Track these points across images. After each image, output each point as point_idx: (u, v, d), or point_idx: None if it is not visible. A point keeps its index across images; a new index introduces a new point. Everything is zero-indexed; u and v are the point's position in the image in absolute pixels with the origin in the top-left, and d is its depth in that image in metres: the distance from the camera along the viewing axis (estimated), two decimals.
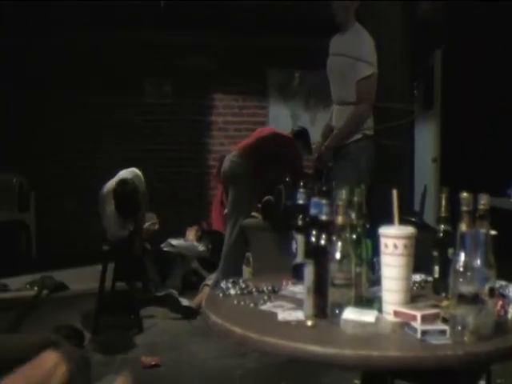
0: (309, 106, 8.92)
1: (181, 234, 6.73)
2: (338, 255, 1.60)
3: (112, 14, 7.43)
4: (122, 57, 8.20)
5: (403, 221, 1.73)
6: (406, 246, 1.62)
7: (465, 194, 1.62)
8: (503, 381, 3.37)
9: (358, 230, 1.79)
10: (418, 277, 2.05)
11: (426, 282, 2.05)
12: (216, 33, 8.03)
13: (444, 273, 1.77)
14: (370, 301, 1.71)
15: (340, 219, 1.65)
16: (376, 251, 1.74)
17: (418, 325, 1.50)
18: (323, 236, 1.69)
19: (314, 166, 4.68)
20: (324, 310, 1.64)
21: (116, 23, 7.66)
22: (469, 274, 1.45)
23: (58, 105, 8.10)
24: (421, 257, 1.75)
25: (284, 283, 2.05)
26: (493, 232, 1.57)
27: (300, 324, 1.61)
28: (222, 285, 2.04)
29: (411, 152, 6.01)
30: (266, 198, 4.91)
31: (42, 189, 7.86)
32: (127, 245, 5.03)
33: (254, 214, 5.02)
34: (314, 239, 1.74)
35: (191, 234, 6.77)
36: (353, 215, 1.78)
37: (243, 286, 2.02)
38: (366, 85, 4.16)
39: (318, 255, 1.67)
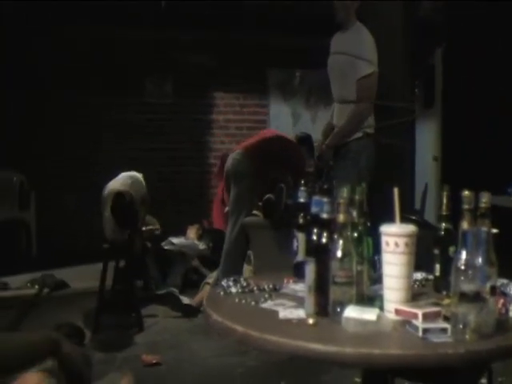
0: (309, 104, 8.92)
1: (182, 232, 6.73)
2: (339, 253, 1.60)
3: (112, 13, 7.42)
4: (122, 56, 8.19)
5: (404, 219, 1.73)
6: (407, 244, 1.62)
7: (466, 192, 1.62)
8: (504, 379, 3.37)
9: (360, 228, 1.79)
10: (418, 275, 2.05)
11: (426, 280, 2.04)
12: (217, 32, 8.02)
13: (445, 271, 1.77)
14: (372, 299, 1.72)
15: (341, 217, 1.65)
16: (377, 249, 1.74)
17: (419, 323, 1.49)
18: (324, 234, 1.69)
19: (315, 164, 4.69)
20: (325, 308, 1.64)
21: (116, 22, 7.65)
22: (470, 272, 1.45)
23: (58, 104, 8.09)
24: (421, 255, 1.75)
25: (285, 281, 2.05)
26: (494, 230, 1.57)
27: (301, 322, 1.61)
28: (223, 283, 2.03)
29: (412, 150, 6.00)
30: (267, 196, 4.91)
31: (43, 187, 7.85)
32: (128, 244, 5.03)
33: (255, 212, 5.02)
34: (315, 237, 1.74)
35: (192, 232, 6.78)
36: (354, 213, 1.78)
37: (244, 284, 2.02)
38: (366, 83, 4.17)
39: (320, 253, 1.67)
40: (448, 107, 7.43)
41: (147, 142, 8.41)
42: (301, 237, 2.05)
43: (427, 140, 7.80)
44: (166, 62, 8.42)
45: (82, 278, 6.06)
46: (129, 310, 4.91)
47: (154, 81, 8.51)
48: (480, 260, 1.46)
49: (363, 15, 4.42)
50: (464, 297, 1.44)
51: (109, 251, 4.90)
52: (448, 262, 1.62)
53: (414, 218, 3.72)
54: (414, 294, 1.72)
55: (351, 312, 1.54)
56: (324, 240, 1.69)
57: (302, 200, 2.12)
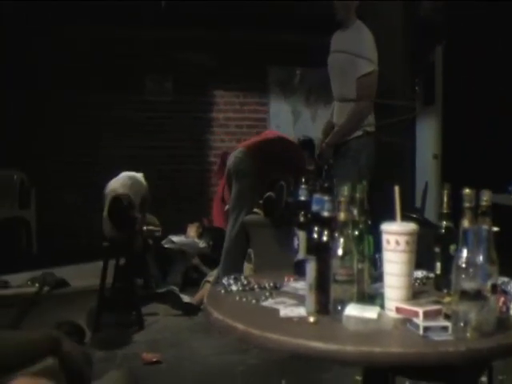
0: (309, 102, 8.92)
1: (182, 230, 6.73)
2: (340, 251, 1.60)
3: (112, 13, 7.42)
4: (122, 54, 8.19)
5: (405, 217, 1.73)
6: (408, 243, 1.62)
7: (467, 191, 1.62)
8: (505, 377, 3.37)
9: (360, 226, 1.79)
10: (419, 273, 2.05)
11: (427, 278, 2.04)
12: (217, 30, 8.02)
13: (446, 269, 1.77)
14: (372, 297, 1.72)
15: (342, 215, 1.64)
16: (378, 247, 1.73)
17: (420, 321, 1.49)
18: (325, 232, 1.69)
19: (315, 162, 4.69)
20: (326, 306, 1.64)
21: (116, 22, 7.65)
22: (471, 270, 1.45)
23: (58, 102, 8.10)
24: (422, 253, 1.75)
25: (286, 279, 2.05)
26: (495, 228, 1.56)
27: (302, 320, 1.61)
28: (224, 281, 2.03)
29: (412, 149, 6.00)
30: (268, 194, 4.91)
31: (43, 185, 7.86)
32: (128, 242, 5.03)
33: (255, 210, 5.02)
34: (315, 235, 1.74)
35: (192, 230, 6.78)
36: (355, 211, 1.78)
37: (245, 282, 2.02)
38: (366, 82, 4.17)
39: (320, 251, 1.67)
40: (448, 105, 7.43)
41: (147, 140, 8.41)
42: (301, 235, 2.05)
43: (427, 138, 7.81)
44: (166, 61, 8.42)
45: (83, 276, 6.06)
46: (129, 309, 4.91)
47: (154, 79, 8.51)
48: (481, 258, 1.46)
49: (363, 14, 4.42)
50: (465, 295, 1.44)
51: (109, 249, 4.91)
52: (449, 260, 1.62)
53: (414, 216, 3.72)
54: (415, 292, 1.71)
55: (352, 310, 1.54)
56: (325, 238, 1.69)
57: (302, 198, 2.12)
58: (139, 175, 5.52)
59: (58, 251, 7.40)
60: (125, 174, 5.41)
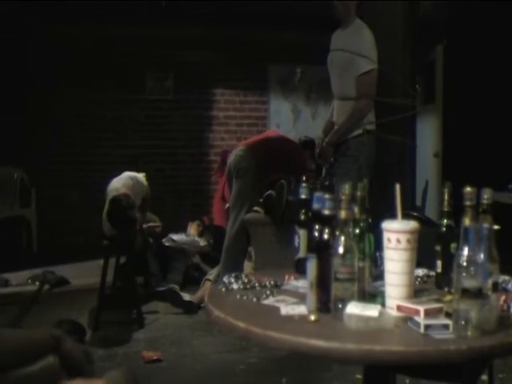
0: (310, 100, 8.93)
1: (182, 228, 6.74)
2: (340, 250, 1.60)
3: (113, 11, 7.42)
4: (123, 53, 8.18)
5: (406, 215, 1.73)
6: (409, 241, 1.62)
7: (468, 189, 1.62)
8: (505, 376, 3.37)
9: (361, 224, 1.79)
10: (420, 271, 2.05)
11: (428, 276, 2.04)
12: (217, 28, 8.02)
13: (446, 267, 1.77)
14: (373, 295, 1.71)
15: (343, 214, 1.64)
16: (379, 246, 1.73)
17: (421, 319, 1.49)
18: (326, 230, 1.69)
19: (316, 161, 4.69)
20: (327, 304, 1.64)
21: (117, 20, 7.65)
22: (472, 268, 1.45)
23: (59, 101, 8.10)
24: (423, 251, 1.75)
25: (286, 278, 2.05)
26: (496, 226, 1.56)
27: (303, 318, 1.61)
28: (225, 279, 2.03)
29: (413, 147, 6.00)
30: (268, 192, 4.91)
31: (43, 184, 7.86)
32: (128, 241, 5.03)
33: (256, 208, 5.02)
34: (316, 234, 1.74)
35: (193, 228, 6.79)
36: (356, 210, 1.78)
37: (246, 280, 2.02)
38: (366, 80, 4.17)
39: (321, 250, 1.67)
40: (449, 104, 7.42)
41: (148, 139, 8.42)
42: (302, 233, 2.05)
43: (428, 136, 7.80)
44: (166, 59, 8.43)
45: (83, 274, 6.07)
46: (129, 307, 4.92)
47: (154, 77, 8.51)
48: (482, 256, 1.46)
49: (364, 12, 4.42)
50: (466, 293, 1.44)
51: (109, 248, 4.91)
52: (449, 259, 1.62)
53: (415, 214, 3.71)
54: (416, 291, 1.71)
55: (353, 308, 1.54)
56: (326, 236, 1.68)
57: (303, 196, 2.12)
58: (141, 176, 5.56)
59: (58, 250, 7.40)
60: (127, 174, 5.44)
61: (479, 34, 6.64)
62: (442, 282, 1.85)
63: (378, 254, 1.83)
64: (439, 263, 1.89)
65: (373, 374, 2.05)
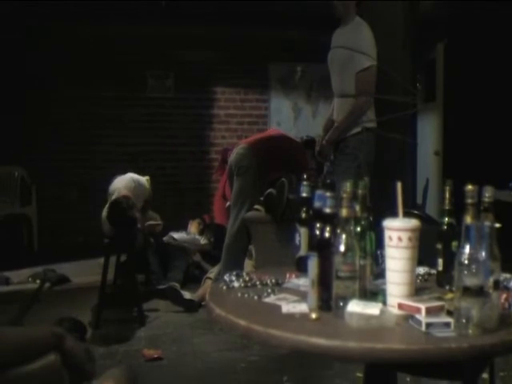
0: (310, 99, 8.93)
1: (183, 227, 6.75)
2: (342, 248, 1.60)
3: (113, 10, 7.42)
4: (123, 52, 8.18)
5: (407, 213, 1.72)
6: (410, 239, 1.62)
7: (470, 187, 1.62)
8: (506, 374, 3.37)
9: (362, 222, 1.78)
10: (421, 269, 2.05)
11: (429, 274, 2.04)
12: (217, 27, 8.02)
13: (448, 265, 1.77)
14: (375, 293, 1.71)
15: (344, 212, 1.64)
16: (380, 244, 1.73)
17: (422, 317, 1.49)
18: (327, 229, 1.69)
19: (316, 159, 4.69)
20: (328, 302, 1.63)
21: (118, 19, 7.65)
22: (473, 266, 1.44)
23: (60, 99, 8.10)
24: (424, 249, 1.75)
25: (288, 276, 2.05)
26: (497, 225, 1.56)
27: (304, 317, 1.61)
28: (226, 277, 2.03)
29: (414, 145, 6.00)
30: (269, 190, 4.91)
31: (44, 182, 7.87)
32: (128, 239, 5.03)
33: (256, 206, 5.02)
34: (317, 232, 1.74)
35: (193, 227, 6.79)
36: (357, 208, 1.78)
37: (247, 278, 2.01)
38: (365, 76, 4.17)
39: (322, 248, 1.66)
40: (449, 102, 7.42)
41: (148, 137, 8.42)
42: (303, 231, 2.04)
43: (429, 135, 7.80)
44: (167, 58, 8.43)
45: (84, 272, 6.08)
46: (130, 305, 4.92)
47: (155, 76, 8.51)
48: (483, 254, 1.46)
49: (365, 11, 4.43)
50: (467, 291, 1.44)
51: (110, 246, 4.91)
52: (451, 257, 1.62)
53: (416, 212, 3.71)
54: (417, 289, 1.71)
55: (354, 306, 1.54)
56: (327, 234, 1.68)
57: (304, 194, 2.12)
58: (143, 179, 5.59)
59: (59, 248, 7.42)
60: (130, 176, 5.48)
61: (479, 33, 6.64)
62: (443, 280, 1.85)
63: (379, 252, 1.83)
64: (440, 261, 1.89)
65: (374, 372, 2.05)
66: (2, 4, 6.71)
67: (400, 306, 1.59)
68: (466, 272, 1.45)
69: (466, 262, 1.45)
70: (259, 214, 4.96)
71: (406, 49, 5.26)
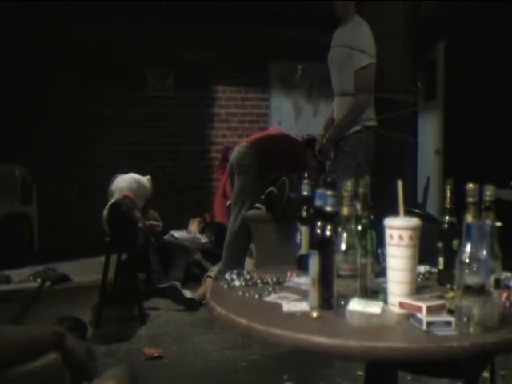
0: (311, 97, 8.93)
1: (184, 225, 6.74)
2: (343, 246, 1.60)
3: (113, 10, 7.42)
4: (124, 51, 8.18)
5: (408, 212, 1.72)
6: (411, 238, 1.61)
7: (470, 185, 1.62)
8: (506, 372, 3.37)
9: (363, 221, 1.78)
10: (422, 268, 2.05)
11: (430, 273, 2.04)
12: (217, 26, 8.01)
13: (449, 264, 1.77)
14: (376, 292, 1.71)
15: (345, 210, 1.64)
16: (381, 242, 1.73)
17: (423, 316, 1.49)
18: (328, 227, 1.69)
19: (317, 158, 4.70)
20: (329, 301, 1.63)
21: (118, 18, 7.65)
22: (474, 265, 1.44)
23: (60, 98, 8.10)
24: (425, 248, 1.75)
25: (288, 274, 2.05)
26: (498, 223, 1.56)
27: (305, 315, 1.61)
28: (227, 276, 2.03)
29: (414, 144, 5.99)
30: (269, 189, 4.91)
31: (44, 181, 7.87)
32: (129, 238, 5.03)
33: (257, 205, 5.02)
34: (318, 230, 1.73)
35: (194, 225, 6.79)
36: (358, 206, 1.78)
37: (248, 277, 2.02)
38: (363, 74, 4.18)
39: (324, 246, 1.66)
40: (450, 101, 7.42)
41: (149, 136, 8.42)
42: (304, 230, 2.04)
43: (429, 133, 7.80)
44: (167, 57, 8.43)
45: (84, 271, 6.08)
46: (131, 304, 4.92)
47: (156, 75, 8.51)
48: (484, 253, 1.46)
49: (365, 10, 4.43)
50: (468, 290, 1.44)
51: (111, 245, 4.91)
52: (452, 255, 1.62)
53: (417, 211, 3.71)
54: (418, 288, 1.71)
55: (355, 305, 1.54)
56: (328, 233, 1.68)
57: (305, 193, 2.12)
58: (145, 179, 5.59)
59: (59, 246, 7.42)
60: (131, 176, 5.47)
61: (480, 33, 6.64)
62: (444, 278, 1.85)
63: (380, 250, 1.83)
64: (441, 260, 1.89)
65: (375, 370, 2.05)
66: (2, 4, 6.71)
67: (401, 305, 1.59)
68: (467, 271, 1.45)
69: (467, 260, 1.45)
70: (260, 213, 4.97)
71: (407, 48, 5.26)
